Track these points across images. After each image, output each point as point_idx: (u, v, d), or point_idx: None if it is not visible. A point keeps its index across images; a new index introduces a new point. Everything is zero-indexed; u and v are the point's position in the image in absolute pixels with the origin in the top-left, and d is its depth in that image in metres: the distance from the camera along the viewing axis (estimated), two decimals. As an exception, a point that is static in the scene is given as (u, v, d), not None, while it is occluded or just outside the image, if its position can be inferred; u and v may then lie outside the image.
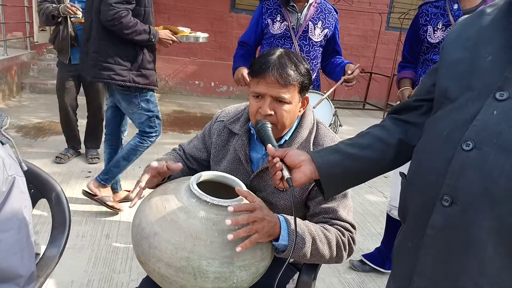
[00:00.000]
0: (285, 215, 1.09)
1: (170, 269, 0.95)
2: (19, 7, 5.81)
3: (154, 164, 1.14)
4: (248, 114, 1.27)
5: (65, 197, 1.23)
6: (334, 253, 1.14)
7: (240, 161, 1.29)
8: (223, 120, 1.36)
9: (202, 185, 1.09)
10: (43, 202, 1.24)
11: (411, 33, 2.20)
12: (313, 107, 2.19)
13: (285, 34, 2.28)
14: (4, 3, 5.46)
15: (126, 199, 2.92)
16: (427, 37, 2.08)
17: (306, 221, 1.16)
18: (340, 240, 1.15)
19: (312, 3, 2.30)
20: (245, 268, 0.99)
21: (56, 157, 3.46)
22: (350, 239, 1.18)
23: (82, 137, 3.65)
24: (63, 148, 3.58)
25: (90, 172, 3.38)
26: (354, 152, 0.99)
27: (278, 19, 2.29)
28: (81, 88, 3.44)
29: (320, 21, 2.31)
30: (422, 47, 2.12)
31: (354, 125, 5.66)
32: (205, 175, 1.14)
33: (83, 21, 2.96)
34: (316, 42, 2.32)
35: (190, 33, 2.70)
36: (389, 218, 2.33)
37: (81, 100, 3.56)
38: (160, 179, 1.19)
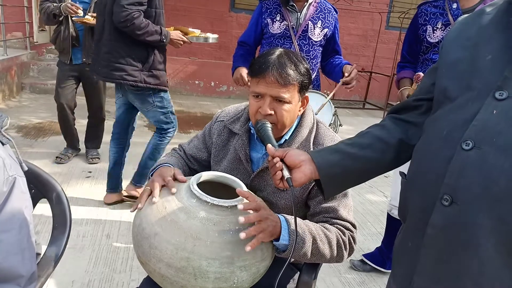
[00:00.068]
0: (285, 215, 1.09)
1: (170, 269, 0.95)
2: (19, 7, 5.81)
3: (169, 178, 1.12)
4: (248, 114, 1.27)
5: (66, 197, 1.23)
6: (335, 252, 1.14)
7: (241, 160, 1.29)
8: (223, 120, 1.36)
9: (202, 185, 1.09)
10: (43, 202, 1.24)
11: (410, 33, 2.20)
12: (315, 113, 2.19)
13: (284, 33, 2.28)
14: (3, 3, 5.46)
15: (126, 200, 2.92)
16: (427, 37, 2.08)
17: (307, 220, 1.17)
18: (340, 239, 1.15)
19: (311, 2, 2.30)
20: (246, 268, 0.99)
21: (56, 157, 3.46)
22: (351, 238, 1.19)
23: (82, 137, 3.64)
24: (63, 148, 3.59)
25: (90, 172, 3.38)
26: (354, 152, 0.99)
27: (278, 18, 2.29)
28: (81, 88, 3.44)
29: (320, 21, 2.31)
30: (422, 47, 2.12)
31: (354, 125, 5.66)
32: (205, 175, 1.14)
33: (85, 20, 2.98)
34: (315, 41, 2.32)
35: (200, 34, 2.74)
36: (389, 217, 2.33)
37: (81, 100, 3.56)
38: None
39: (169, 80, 6.81)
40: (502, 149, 0.75)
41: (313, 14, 2.30)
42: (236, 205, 1.02)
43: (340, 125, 2.40)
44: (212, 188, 1.15)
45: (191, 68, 6.88)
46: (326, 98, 2.27)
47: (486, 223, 0.75)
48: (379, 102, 7.57)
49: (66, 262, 2.10)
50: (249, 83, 1.33)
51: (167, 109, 2.63)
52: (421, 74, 1.97)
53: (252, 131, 1.29)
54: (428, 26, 2.07)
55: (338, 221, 1.19)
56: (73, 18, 3.09)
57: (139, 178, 2.83)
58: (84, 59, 3.23)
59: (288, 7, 2.27)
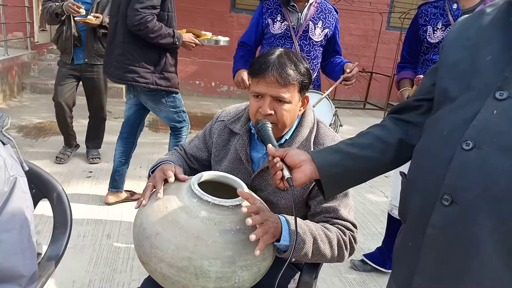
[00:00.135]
0: (285, 216, 1.09)
1: (172, 269, 0.95)
2: (20, 7, 5.82)
3: (171, 179, 1.12)
4: (249, 114, 1.28)
5: (67, 197, 1.23)
6: (336, 252, 1.14)
7: (241, 160, 1.29)
8: (224, 120, 1.36)
9: (203, 185, 1.09)
10: (44, 202, 1.24)
11: (410, 33, 2.20)
12: (313, 106, 2.19)
13: (285, 34, 2.28)
14: (4, 3, 5.46)
15: (127, 200, 2.93)
16: (427, 37, 2.08)
17: (307, 220, 1.17)
18: (341, 239, 1.15)
19: (312, 2, 2.30)
20: (247, 268, 0.99)
21: (56, 157, 3.46)
22: (351, 238, 1.19)
23: (82, 136, 3.65)
24: (62, 147, 3.58)
25: (91, 172, 3.38)
26: (354, 152, 0.99)
27: (279, 19, 2.29)
28: (82, 88, 3.44)
29: (321, 21, 2.31)
30: (422, 47, 2.13)
31: (355, 125, 5.66)
32: (206, 175, 1.14)
33: (87, 20, 2.99)
34: (316, 42, 2.32)
35: (211, 36, 2.78)
36: (390, 217, 2.33)
37: (82, 100, 3.56)
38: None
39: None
40: (503, 149, 0.75)
41: (313, 15, 2.30)
42: (237, 205, 1.03)
43: (341, 125, 2.40)
44: (213, 188, 1.15)
45: (191, 68, 6.89)
46: (326, 98, 2.27)
47: (486, 223, 0.75)
48: (379, 102, 7.57)
49: (66, 262, 2.10)
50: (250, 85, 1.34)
51: (180, 108, 2.67)
52: (422, 77, 1.97)
53: (252, 131, 1.29)
54: (429, 26, 2.07)
55: (338, 221, 1.19)
56: (75, 18, 3.09)
57: None
58: (86, 60, 3.24)
59: (288, 8, 2.27)
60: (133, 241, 1.08)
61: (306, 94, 1.26)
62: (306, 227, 1.10)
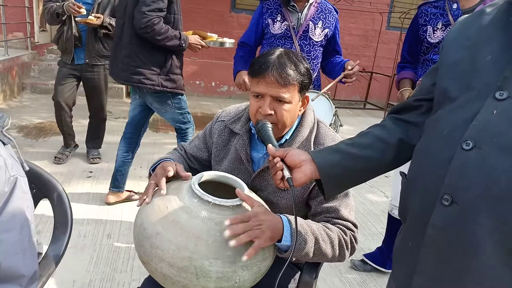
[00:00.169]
0: (287, 216, 1.09)
1: (172, 269, 0.95)
2: (20, 8, 5.82)
3: (165, 168, 1.13)
4: (249, 114, 1.28)
5: (67, 197, 1.23)
6: (337, 252, 1.14)
7: (241, 160, 1.29)
8: (224, 120, 1.37)
9: (203, 185, 1.09)
10: (45, 201, 1.24)
11: (410, 33, 2.20)
12: (311, 100, 2.20)
13: (285, 34, 2.29)
14: (5, 3, 5.47)
15: (127, 199, 2.93)
16: (427, 37, 2.08)
17: (309, 220, 1.16)
18: (342, 239, 1.15)
19: (312, 2, 2.30)
20: (247, 267, 0.99)
21: (55, 157, 3.46)
22: (352, 238, 1.19)
23: (83, 136, 3.65)
24: (60, 147, 3.58)
25: (91, 172, 3.39)
26: (354, 152, 0.99)
27: (279, 19, 2.29)
28: (82, 88, 3.44)
29: (321, 21, 2.31)
30: (422, 47, 2.13)
31: (355, 125, 5.66)
32: (207, 175, 1.14)
33: (88, 21, 3.00)
34: (316, 42, 2.32)
35: (217, 38, 2.81)
36: (390, 217, 2.33)
37: (83, 100, 3.56)
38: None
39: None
40: (503, 149, 0.75)
41: (313, 15, 2.30)
42: (237, 205, 1.03)
43: (341, 125, 2.41)
44: (213, 188, 1.15)
45: (191, 68, 6.89)
46: (326, 98, 2.28)
47: (486, 223, 0.75)
48: (379, 102, 7.57)
49: (67, 261, 2.10)
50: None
51: (185, 110, 2.70)
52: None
53: (253, 131, 1.29)
54: (429, 26, 2.07)
55: (339, 221, 1.19)
56: (76, 19, 3.10)
57: None
58: (87, 60, 3.24)
59: (288, 8, 2.28)
60: (133, 241, 1.08)
61: (306, 94, 1.26)
62: (308, 227, 1.10)
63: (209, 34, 2.77)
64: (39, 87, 5.76)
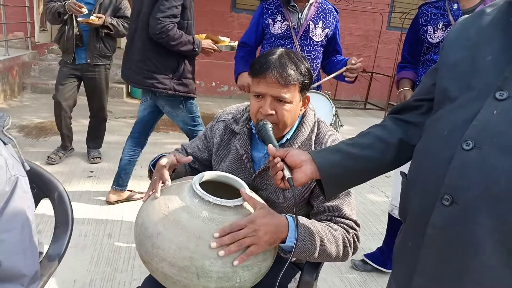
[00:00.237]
0: (293, 216, 1.08)
1: (173, 268, 0.95)
2: (20, 7, 5.82)
3: (163, 162, 1.13)
4: (250, 114, 1.28)
5: (68, 196, 1.23)
6: (341, 251, 1.14)
7: (242, 160, 1.29)
8: (225, 120, 1.37)
9: (204, 185, 1.09)
10: (46, 201, 1.24)
11: (410, 33, 2.20)
12: (314, 87, 2.21)
13: (286, 34, 2.29)
14: (5, 3, 5.47)
15: (128, 199, 2.93)
16: (427, 37, 2.08)
17: (313, 220, 1.16)
18: (346, 238, 1.15)
19: (312, 2, 2.30)
20: (248, 268, 0.99)
21: (48, 157, 3.42)
22: (355, 237, 1.19)
23: (83, 136, 3.66)
24: (56, 148, 3.56)
25: (92, 171, 3.39)
26: (354, 152, 0.99)
27: (279, 19, 2.29)
28: (83, 88, 3.44)
29: (321, 21, 2.31)
30: (422, 47, 2.13)
31: (355, 125, 5.66)
32: (208, 175, 1.14)
33: (89, 21, 3.01)
34: (317, 42, 2.32)
35: (229, 42, 2.84)
36: (390, 217, 2.33)
37: (83, 100, 3.56)
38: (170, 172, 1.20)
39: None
40: (503, 149, 0.75)
41: (314, 15, 2.30)
42: (238, 205, 1.03)
43: (341, 125, 2.41)
44: (214, 188, 1.16)
45: (192, 68, 6.87)
46: (327, 98, 2.28)
47: (486, 223, 0.76)
48: (380, 102, 7.57)
49: (68, 261, 2.11)
50: None
51: (196, 113, 2.73)
52: None
53: (253, 131, 1.29)
54: (429, 26, 2.07)
55: (342, 219, 1.19)
56: (78, 19, 3.10)
57: None
58: (88, 60, 3.25)
59: (289, 8, 2.28)
60: (134, 240, 1.08)
61: (307, 94, 1.26)
62: (313, 227, 1.10)
63: (221, 38, 2.82)
64: (39, 86, 5.76)
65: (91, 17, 3.05)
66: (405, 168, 1.02)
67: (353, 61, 2.18)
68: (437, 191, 0.81)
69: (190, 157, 1.16)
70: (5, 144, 0.96)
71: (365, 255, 2.45)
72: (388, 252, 2.35)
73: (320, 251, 1.09)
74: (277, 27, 2.29)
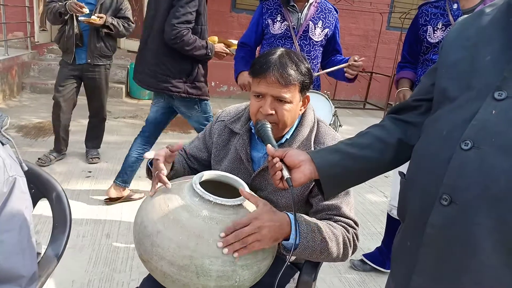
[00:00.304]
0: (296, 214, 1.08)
1: (172, 267, 0.95)
2: (20, 7, 5.82)
3: (157, 155, 1.13)
4: (249, 114, 1.28)
5: (66, 196, 1.23)
6: (341, 250, 1.14)
7: (241, 160, 1.29)
8: (224, 120, 1.37)
9: (204, 184, 1.09)
10: (44, 201, 1.24)
11: (410, 33, 2.21)
12: (326, 73, 2.22)
13: (285, 34, 2.29)
14: (5, 3, 5.46)
15: (127, 198, 2.93)
16: (427, 37, 2.08)
17: (314, 218, 1.16)
18: (345, 236, 1.15)
19: (312, 2, 2.30)
20: (247, 267, 0.99)
21: (39, 158, 3.34)
22: (354, 236, 1.19)
23: (82, 136, 3.65)
24: (62, 150, 3.52)
25: (90, 172, 3.38)
26: (353, 152, 0.99)
27: (279, 19, 2.29)
28: (83, 88, 3.43)
29: (321, 21, 2.31)
30: (422, 47, 2.13)
31: (355, 125, 5.67)
32: (208, 174, 1.14)
33: (91, 21, 3.02)
34: (316, 41, 2.32)
35: None
36: (389, 217, 2.33)
37: (83, 100, 3.56)
38: (169, 165, 1.20)
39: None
40: (502, 149, 0.75)
41: (313, 14, 2.30)
42: (238, 205, 1.03)
43: (340, 125, 2.41)
44: (214, 187, 1.16)
45: (191, 68, 6.87)
46: (326, 98, 2.28)
47: (485, 223, 0.75)
48: (379, 102, 7.57)
49: (66, 261, 2.10)
50: None
51: (209, 114, 2.80)
52: None
53: (253, 131, 1.29)
54: (429, 26, 2.07)
55: (341, 218, 1.19)
56: (80, 18, 3.10)
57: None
58: (89, 60, 3.24)
59: (288, 8, 2.28)
60: (133, 239, 1.08)
61: (307, 94, 1.26)
62: (315, 224, 1.10)
63: (232, 41, 2.87)
64: (38, 86, 5.75)
65: (93, 17, 3.06)
66: (404, 168, 1.02)
67: (356, 58, 2.19)
68: (435, 191, 0.81)
69: (181, 143, 1.16)
70: (3, 144, 0.96)
71: (364, 255, 2.45)
72: (387, 252, 2.35)
73: (322, 248, 1.09)
74: (277, 27, 2.29)
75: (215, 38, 2.77)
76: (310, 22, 2.29)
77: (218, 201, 1.00)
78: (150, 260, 0.99)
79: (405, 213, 0.95)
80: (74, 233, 2.44)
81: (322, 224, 1.13)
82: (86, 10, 3.04)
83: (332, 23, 2.35)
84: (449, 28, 1.99)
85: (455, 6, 2.00)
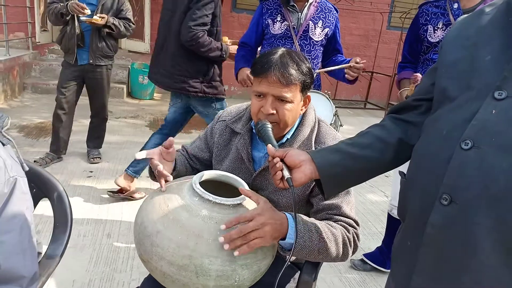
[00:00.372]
0: (292, 213, 1.08)
1: (172, 267, 0.96)
2: (21, 8, 5.82)
3: (141, 155, 1.14)
4: (250, 113, 1.28)
5: (67, 196, 1.23)
6: (341, 250, 1.13)
7: (242, 160, 1.29)
8: (225, 120, 1.37)
9: (204, 184, 1.10)
10: (45, 201, 1.24)
11: (411, 32, 2.20)
12: (325, 72, 2.23)
13: (285, 34, 2.29)
14: (6, 3, 5.47)
15: (131, 195, 2.94)
16: (427, 37, 2.08)
17: (312, 218, 1.16)
18: (345, 236, 1.15)
19: (312, 2, 2.30)
20: (247, 266, 0.99)
21: (34, 161, 3.30)
22: (355, 236, 1.18)
23: (83, 136, 3.65)
24: (61, 152, 3.48)
25: (91, 172, 3.39)
26: (354, 151, 0.99)
27: (279, 19, 2.29)
28: (84, 88, 3.44)
29: (321, 20, 2.31)
30: (422, 47, 2.13)
31: (355, 125, 5.66)
32: (208, 174, 1.15)
33: (93, 21, 3.04)
34: (316, 41, 2.32)
35: None
36: (390, 217, 2.33)
37: (84, 100, 3.56)
38: (171, 164, 1.21)
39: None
40: (501, 149, 0.75)
41: (313, 14, 2.30)
42: (238, 204, 1.03)
43: (341, 125, 2.41)
44: (214, 187, 1.16)
45: (192, 68, 6.87)
46: (327, 98, 2.28)
47: (485, 222, 0.76)
48: (380, 102, 7.57)
49: (67, 261, 2.11)
50: None
51: None
52: (419, 75, 2.00)
53: (254, 131, 1.29)
54: (429, 26, 2.07)
55: (341, 217, 1.19)
56: (81, 18, 3.11)
57: None
58: (91, 61, 3.25)
59: (288, 7, 2.28)
60: (134, 239, 1.08)
61: (308, 93, 1.26)
62: (312, 224, 1.10)
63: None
64: (40, 87, 5.76)
65: (95, 17, 3.07)
66: (404, 167, 1.02)
67: (357, 60, 2.19)
68: (435, 191, 0.81)
69: (172, 138, 1.16)
70: (3, 145, 0.96)
71: (364, 255, 2.45)
72: (387, 252, 2.35)
73: (320, 248, 1.09)
74: (277, 27, 2.29)
75: (226, 38, 2.84)
76: (310, 22, 2.29)
77: (218, 200, 1.01)
78: (150, 260, 0.99)
79: (405, 213, 0.95)
80: (75, 233, 2.45)
81: (321, 224, 1.13)
82: (88, 11, 3.05)
83: (332, 23, 2.35)
84: (450, 28, 1.99)
85: (455, 5, 2.00)
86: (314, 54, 2.34)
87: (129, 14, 3.35)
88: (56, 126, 3.37)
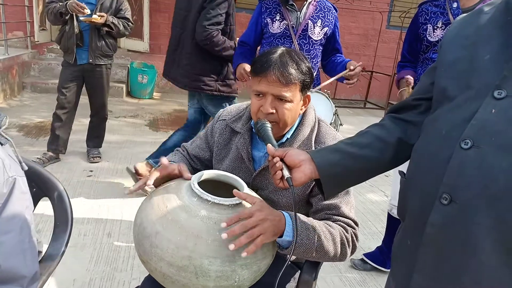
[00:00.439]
0: (289, 212, 1.09)
1: (172, 268, 0.95)
2: (20, 7, 5.82)
3: (165, 161, 1.14)
4: (250, 113, 1.28)
5: (67, 195, 1.23)
6: (339, 249, 1.13)
7: (242, 159, 1.29)
8: (225, 119, 1.37)
9: (203, 184, 1.09)
10: (45, 200, 1.24)
11: (410, 32, 2.21)
12: (319, 89, 2.24)
13: (284, 33, 2.29)
14: (5, 2, 5.46)
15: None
16: (427, 36, 2.08)
17: (310, 218, 1.16)
18: (344, 236, 1.15)
19: (311, 1, 2.30)
20: (247, 266, 0.99)
21: (37, 158, 3.32)
22: (353, 236, 1.18)
23: (83, 136, 3.65)
24: (61, 152, 3.47)
25: (91, 171, 3.39)
26: (353, 151, 0.99)
27: (278, 18, 2.29)
28: (84, 87, 3.44)
29: (320, 20, 2.31)
30: (422, 46, 2.13)
31: (355, 124, 5.66)
32: (207, 174, 1.14)
33: (92, 20, 3.04)
34: (316, 40, 2.32)
35: None
36: (390, 217, 2.33)
37: (84, 99, 3.56)
38: (166, 180, 1.19)
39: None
40: (501, 148, 0.75)
41: (312, 13, 2.30)
42: (237, 204, 1.03)
43: (341, 124, 2.41)
44: (213, 187, 1.16)
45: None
46: (326, 97, 2.28)
47: (484, 222, 0.76)
48: (380, 101, 7.57)
49: (67, 260, 2.11)
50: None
51: None
52: (410, 77, 2.07)
53: (254, 130, 1.29)
54: (429, 25, 2.07)
55: (340, 218, 1.19)
56: (80, 18, 3.11)
57: None
58: (90, 60, 3.25)
59: (287, 7, 2.27)
60: (133, 240, 1.08)
61: (308, 93, 1.26)
62: (310, 223, 1.10)
63: None
64: (39, 86, 5.75)
65: (94, 16, 3.08)
66: (404, 167, 1.02)
67: (351, 67, 2.18)
68: (435, 190, 0.81)
69: (190, 176, 1.12)
70: (2, 144, 0.95)
71: (365, 255, 2.45)
72: (387, 252, 2.35)
73: (317, 247, 1.09)
74: (276, 26, 2.29)
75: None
76: (309, 21, 2.29)
77: (216, 200, 1.00)
78: (149, 261, 0.99)
79: (405, 213, 0.95)
80: (75, 232, 2.45)
81: (319, 223, 1.13)
82: (87, 11, 3.04)
83: (332, 22, 2.35)
84: (449, 27, 1.99)
85: (455, 4, 2.00)
86: (313, 54, 2.34)
87: (128, 14, 3.35)
88: (55, 126, 3.36)
